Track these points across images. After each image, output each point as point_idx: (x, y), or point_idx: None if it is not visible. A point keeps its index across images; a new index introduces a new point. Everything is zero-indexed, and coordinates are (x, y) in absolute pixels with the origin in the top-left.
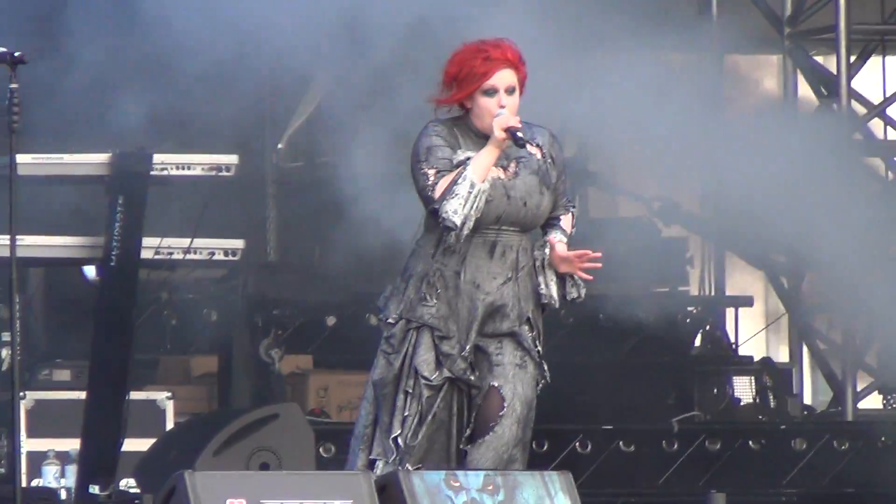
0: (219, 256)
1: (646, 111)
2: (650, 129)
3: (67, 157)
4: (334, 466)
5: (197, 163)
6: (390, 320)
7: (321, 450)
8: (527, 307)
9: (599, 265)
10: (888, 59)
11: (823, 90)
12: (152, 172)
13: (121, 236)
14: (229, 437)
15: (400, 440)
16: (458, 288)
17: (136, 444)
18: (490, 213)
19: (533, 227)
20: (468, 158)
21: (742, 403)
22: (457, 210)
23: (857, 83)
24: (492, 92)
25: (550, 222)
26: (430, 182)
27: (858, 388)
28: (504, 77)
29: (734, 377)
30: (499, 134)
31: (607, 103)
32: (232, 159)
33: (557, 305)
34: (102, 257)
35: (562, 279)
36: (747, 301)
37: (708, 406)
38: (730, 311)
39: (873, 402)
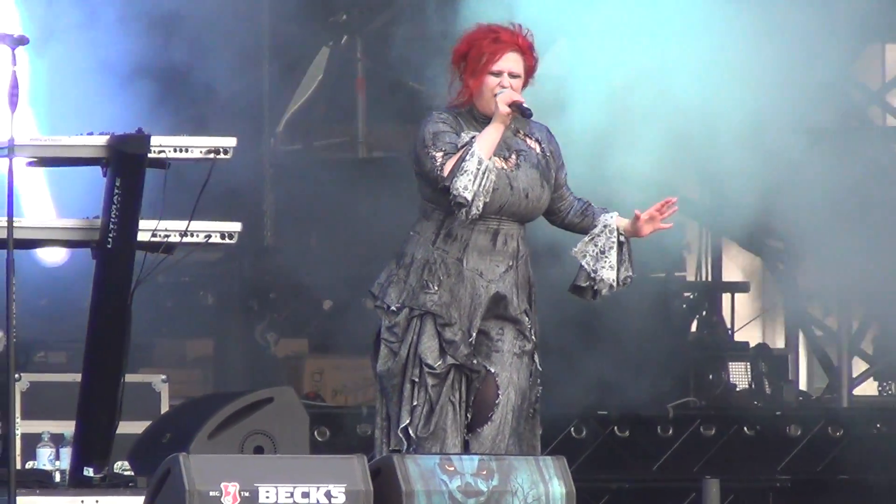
0: (215, 239)
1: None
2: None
3: (65, 140)
4: (329, 450)
5: (195, 145)
6: (392, 308)
7: (316, 433)
8: (524, 295)
9: (676, 208)
10: (888, 45)
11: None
12: (150, 155)
13: (118, 219)
14: (224, 420)
15: (410, 430)
16: (461, 275)
17: (131, 427)
18: (493, 202)
19: (531, 220)
20: (473, 137)
21: (738, 389)
22: (467, 186)
23: (855, 70)
24: (497, 73)
25: (588, 210)
26: (437, 163)
27: (854, 375)
28: (510, 60)
29: (730, 363)
30: (503, 109)
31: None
32: (230, 142)
33: (614, 289)
34: (99, 240)
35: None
36: (743, 287)
37: (703, 392)
38: (726, 297)
39: (869, 388)
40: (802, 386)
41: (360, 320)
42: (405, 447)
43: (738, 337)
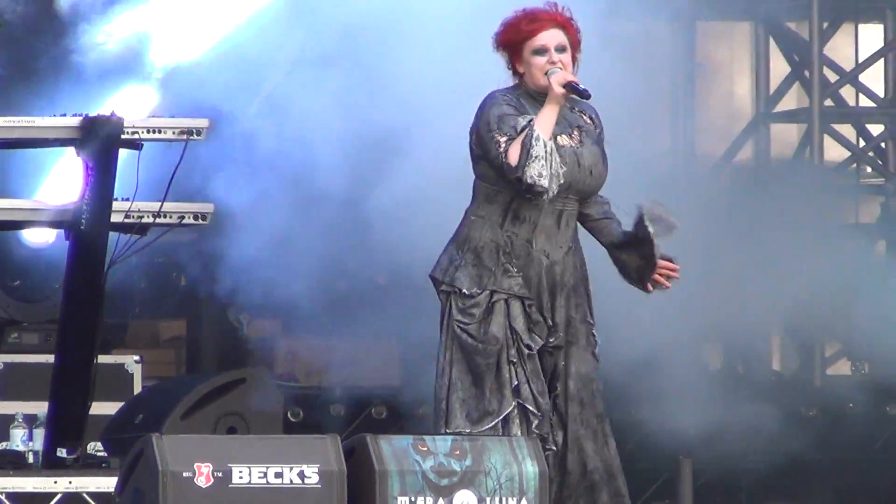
0: (189, 221)
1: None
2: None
3: (39, 121)
4: (302, 431)
5: (168, 126)
6: (465, 291)
7: (289, 414)
8: (581, 274)
9: (677, 276)
10: (860, 25)
11: (796, 57)
12: (123, 136)
13: (91, 200)
14: (197, 400)
15: (530, 407)
16: (531, 256)
17: (104, 408)
18: (562, 182)
19: (590, 196)
20: (530, 121)
21: (711, 369)
22: (541, 173)
23: (829, 50)
24: (542, 51)
25: (607, 216)
26: (501, 149)
27: (827, 355)
28: (553, 35)
29: (704, 343)
30: (558, 89)
31: None
32: (202, 123)
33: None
34: (73, 221)
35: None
36: None
37: None
38: None
39: (842, 368)
40: (775, 366)
41: (333, 301)
42: (517, 427)
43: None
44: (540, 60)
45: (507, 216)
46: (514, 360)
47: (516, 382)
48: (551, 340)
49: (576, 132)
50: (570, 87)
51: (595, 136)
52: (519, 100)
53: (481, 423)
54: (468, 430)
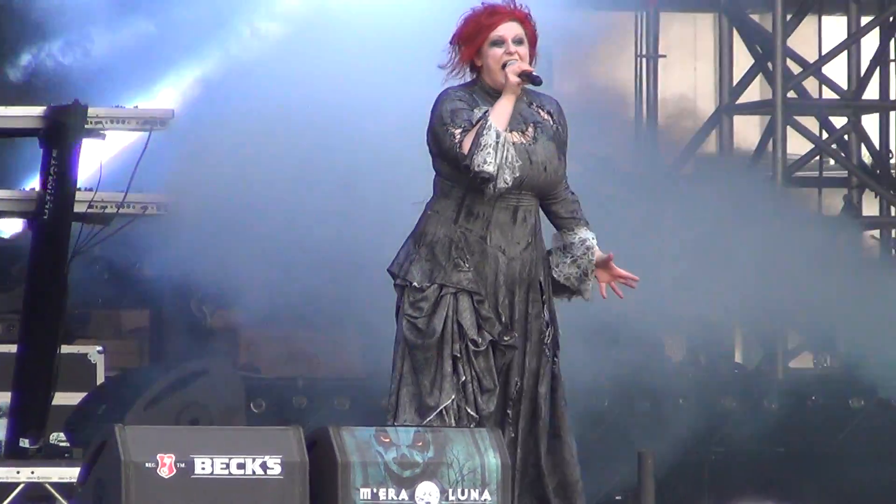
0: (152, 211)
1: None
2: None
3: (2, 110)
4: (264, 422)
5: (131, 116)
6: (416, 284)
7: (252, 405)
8: (540, 270)
9: (634, 286)
10: (824, 17)
11: (759, 49)
12: (86, 126)
13: (54, 190)
14: (160, 391)
15: (469, 408)
16: (485, 252)
17: (67, 398)
18: (514, 178)
19: (548, 193)
20: (486, 112)
21: (673, 361)
22: (487, 160)
23: (792, 42)
24: (500, 42)
25: (577, 212)
26: (455, 140)
27: (789, 347)
28: (510, 27)
29: (666, 335)
30: (513, 78)
31: None
32: (166, 113)
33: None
34: (35, 211)
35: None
36: None
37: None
38: None
39: (804, 361)
40: (738, 358)
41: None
42: (453, 421)
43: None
44: (497, 52)
45: (462, 212)
46: (459, 355)
47: (463, 378)
48: (505, 338)
49: (529, 128)
50: (525, 76)
51: (552, 132)
52: (472, 96)
53: (426, 416)
54: (416, 424)
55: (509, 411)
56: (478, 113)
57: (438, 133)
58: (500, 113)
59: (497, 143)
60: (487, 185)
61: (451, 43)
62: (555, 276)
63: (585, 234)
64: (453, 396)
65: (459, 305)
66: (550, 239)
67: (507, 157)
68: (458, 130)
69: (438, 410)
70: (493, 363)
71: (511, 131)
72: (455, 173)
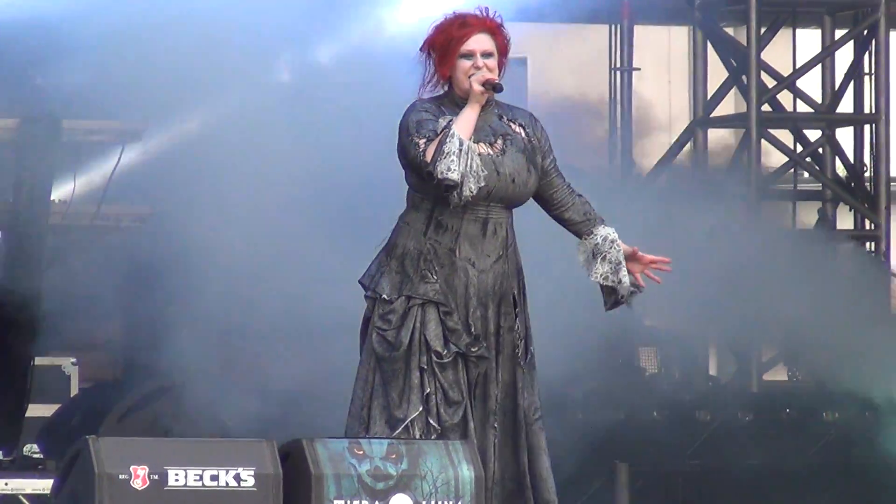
0: (126, 223)
1: None
2: None
3: None
4: (238, 434)
5: (106, 129)
6: (385, 297)
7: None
8: (513, 283)
9: (669, 269)
10: (798, 31)
11: (733, 62)
12: (60, 138)
13: (28, 201)
14: (134, 403)
15: (431, 420)
16: (454, 265)
17: (40, 410)
18: (481, 189)
19: (518, 205)
20: (450, 121)
21: (647, 374)
22: (450, 167)
23: (766, 55)
24: (469, 55)
25: (588, 218)
26: (420, 149)
27: (763, 360)
28: (480, 40)
29: (640, 348)
30: (476, 87)
31: None
32: (141, 126)
33: (636, 292)
34: (10, 221)
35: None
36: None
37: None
38: None
39: (778, 374)
40: (712, 371)
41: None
42: (419, 433)
43: (648, 322)
44: (466, 64)
45: (431, 224)
46: (425, 367)
47: (428, 390)
48: (474, 350)
49: (499, 140)
50: (489, 85)
51: (522, 144)
52: (440, 107)
53: (396, 428)
54: (387, 436)
55: (496, 425)
56: (442, 122)
57: (405, 143)
58: (464, 121)
59: (460, 150)
60: (452, 194)
61: (421, 50)
62: (592, 279)
63: (606, 231)
64: (421, 408)
65: (426, 317)
66: (576, 249)
67: (471, 166)
68: (423, 140)
69: (406, 423)
70: (464, 375)
71: (479, 143)
72: (423, 185)
